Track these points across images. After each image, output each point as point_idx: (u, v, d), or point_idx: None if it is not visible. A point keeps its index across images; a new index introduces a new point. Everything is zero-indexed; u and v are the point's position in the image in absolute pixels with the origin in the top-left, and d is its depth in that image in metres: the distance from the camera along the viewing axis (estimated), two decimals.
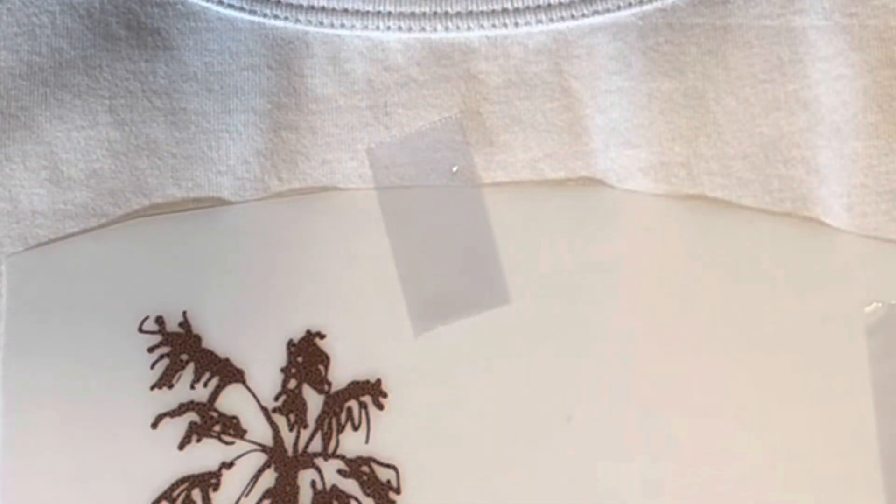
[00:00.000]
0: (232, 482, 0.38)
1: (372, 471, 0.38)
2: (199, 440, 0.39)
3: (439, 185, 0.40)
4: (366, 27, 0.41)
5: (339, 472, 0.39)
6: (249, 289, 0.39)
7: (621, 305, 0.39)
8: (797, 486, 0.38)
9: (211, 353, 0.39)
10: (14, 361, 0.39)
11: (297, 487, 0.39)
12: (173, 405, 0.39)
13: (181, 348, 0.39)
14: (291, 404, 0.39)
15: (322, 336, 0.39)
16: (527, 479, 0.38)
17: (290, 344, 0.39)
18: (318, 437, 0.39)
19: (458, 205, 0.40)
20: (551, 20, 0.40)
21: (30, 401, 0.39)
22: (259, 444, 0.39)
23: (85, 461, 0.38)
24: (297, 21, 0.41)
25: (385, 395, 0.39)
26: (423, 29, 0.41)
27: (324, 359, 0.39)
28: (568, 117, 0.40)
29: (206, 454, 0.39)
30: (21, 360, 0.39)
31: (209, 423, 0.39)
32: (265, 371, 0.39)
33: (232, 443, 0.39)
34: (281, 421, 0.39)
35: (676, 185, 0.40)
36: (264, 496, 0.38)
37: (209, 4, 0.41)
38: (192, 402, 0.39)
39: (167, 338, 0.39)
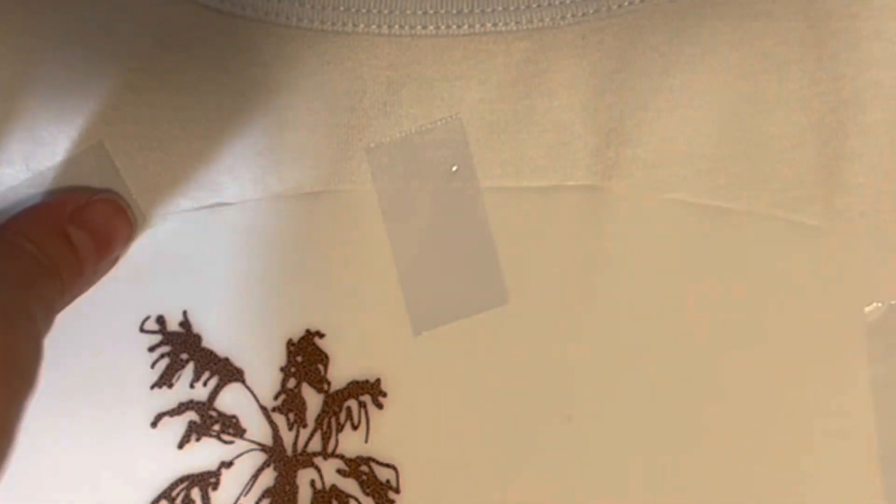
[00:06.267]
0: (231, 481, 0.39)
1: (371, 470, 0.39)
2: (198, 439, 0.39)
3: (439, 184, 0.40)
4: (367, 26, 0.41)
5: (339, 471, 0.39)
6: (249, 288, 0.39)
7: (621, 305, 0.39)
8: (797, 485, 0.38)
9: (211, 353, 0.39)
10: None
11: (297, 487, 0.39)
12: (173, 404, 0.39)
13: (181, 348, 0.39)
14: (291, 403, 0.39)
15: (321, 335, 0.39)
16: (527, 479, 0.38)
17: (290, 343, 0.39)
18: (318, 436, 0.39)
19: (457, 205, 0.40)
20: (552, 19, 0.40)
21: (30, 400, 0.39)
22: (258, 444, 0.39)
23: (85, 460, 0.38)
24: (299, 20, 0.41)
25: (384, 395, 0.39)
26: (423, 28, 0.41)
27: (323, 358, 0.39)
28: (567, 116, 0.40)
29: (206, 453, 0.39)
30: None
31: (209, 422, 0.39)
32: (265, 370, 0.39)
33: (231, 442, 0.39)
34: (280, 420, 0.39)
35: (675, 184, 0.40)
36: (263, 495, 0.39)
37: (210, 3, 0.41)
38: (191, 401, 0.39)
39: (167, 337, 0.39)
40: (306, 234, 0.40)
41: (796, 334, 0.39)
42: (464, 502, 0.38)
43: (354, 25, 0.41)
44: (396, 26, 0.41)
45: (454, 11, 0.41)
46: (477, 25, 0.41)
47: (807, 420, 0.38)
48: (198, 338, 0.39)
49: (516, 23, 0.41)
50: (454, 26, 0.41)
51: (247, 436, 0.39)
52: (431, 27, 0.41)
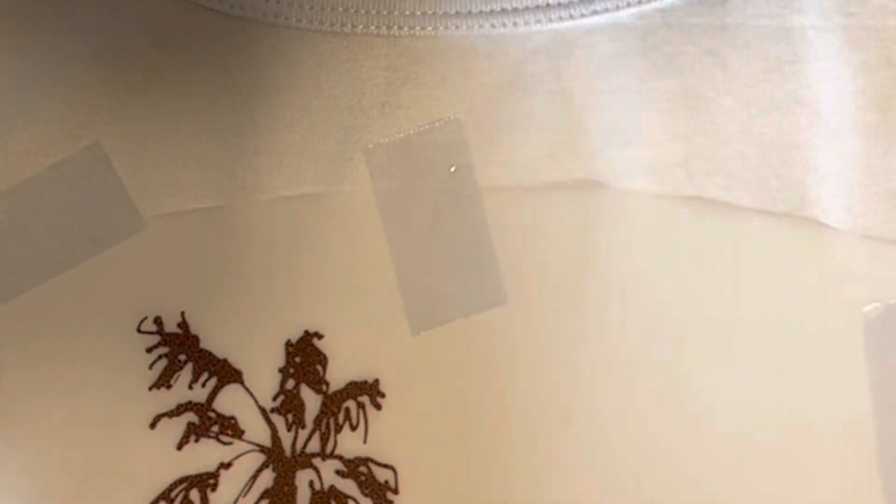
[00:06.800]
0: (230, 482, 0.39)
1: (370, 471, 0.38)
2: (197, 440, 0.39)
3: (437, 185, 0.40)
4: (366, 27, 0.41)
5: (337, 472, 0.39)
6: (248, 289, 0.39)
7: (620, 306, 0.39)
8: (796, 485, 0.38)
9: (209, 354, 0.39)
10: (14, 361, 0.39)
11: (295, 488, 0.39)
12: (171, 405, 0.39)
13: (179, 349, 0.39)
14: (289, 404, 0.39)
15: (320, 336, 0.39)
16: (526, 480, 0.38)
17: (289, 344, 0.39)
18: (316, 437, 0.39)
19: (456, 205, 0.40)
20: (550, 20, 0.40)
21: (30, 401, 0.39)
22: (257, 445, 0.39)
23: (83, 461, 0.38)
24: (297, 21, 0.41)
25: (383, 396, 0.39)
26: (422, 29, 0.41)
27: (322, 359, 0.39)
28: (566, 117, 0.40)
29: (204, 454, 0.39)
30: (21, 360, 0.39)
31: (207, 423, 0.39)
32: (263, 371, 0.39)
33: (230, 443, 0.39)
34: (279, 421, 0.39)
35: (675, 185, 0.40)
36: (262, 496, 0.38)
37: (208, 3, 0.41)
38: (190, 402, 0.39)
39: (165, 338, 0.39)
40: (304, 235, 0.40)
41: (795, 334, 0.39)
42: (462, 502, 0.38)
43: (353, 26, 0.41)
44: (395, 27, 0.41)
45: (452, 13, 0.41)
46: (475, 27, 0.41)
47: (805, 419, 0.38)
48: (196, 339, 0.39)
49: (514, 24, 0.41)
50: (453, 27, 0.41)
51: (245, 437, 0.39)
52: (430, 28, 0.41)
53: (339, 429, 0.39)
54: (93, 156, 0.40)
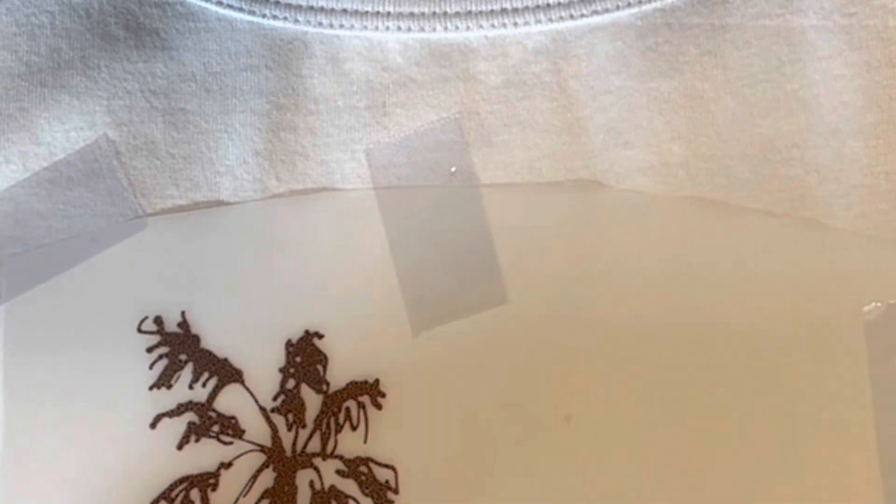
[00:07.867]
0: (230, 482, 0.39)
1: (370, 471, 0.38)
2: (197, 440, 0.39)
3: (438, 185, 0.40)
4: (364, 27, 0.41)
5: (338, 472, 0.39)
6: (248, 289, 0.39)
7: (620, 305, 0.39)
8: (796, 485, 0.38)
9: (209, 354, 0.39)
10: (14, 361, 0.39)
11: (296, 487, 0.39)
12: (172, 405, 0.39)
13: (180, 348, 0.39)
14: (290, 404, 0.39)
15: (320, 336, 0.39)
16: (526, 480, 0.38)
17: (289, 344, 0.39)
18: (317, 437, 0.39)
19: (456, 205, 0.40)
20: (550, 20, 0.40)
21: (30, 401, 0.39)
22: (257, 445, 0.39)
23: (84, 461, 0.38)
24: (296, 21, 0.41)
25: (383, 395, 0.39)
26: (421, 29, 0.41)
27: (322, 359, 0.39)
28: (566, 117, 0.40)
29: (205, 454, 0.39)
30: (21, 360, 0.39)
31: (208, 423, 0.39)
32: (264, 371, 0.39)
33: (230, 443, 0.39)
34: (279, 421, 0.39)
35: (675, 185, 0.40)
36: (263, 496, 0.38)
37: (208, 5, 0.41)
38: (190, 402, 0.39)
39: (166, 338, 0.39)
40: (305, 235, 0.40)
41: (796, 334, 0.39)
42: (462, 503, 0.38)
43: (352, 27, 0.41)
44: (396, 28, 0.41)
45: (453, 13, 0.41)
46: (475, 27, 0.41)
47: (806, 420, 0.38)
48: (196, 338, 0.39)
49: (514, 24, 0.41)
50: (453, 28, 0.41)
51: (246, 437, 0.39)
52: (430, 28, 0.41)
53: (339, 429, 0.39)
54: (93, 155, 0.40)
